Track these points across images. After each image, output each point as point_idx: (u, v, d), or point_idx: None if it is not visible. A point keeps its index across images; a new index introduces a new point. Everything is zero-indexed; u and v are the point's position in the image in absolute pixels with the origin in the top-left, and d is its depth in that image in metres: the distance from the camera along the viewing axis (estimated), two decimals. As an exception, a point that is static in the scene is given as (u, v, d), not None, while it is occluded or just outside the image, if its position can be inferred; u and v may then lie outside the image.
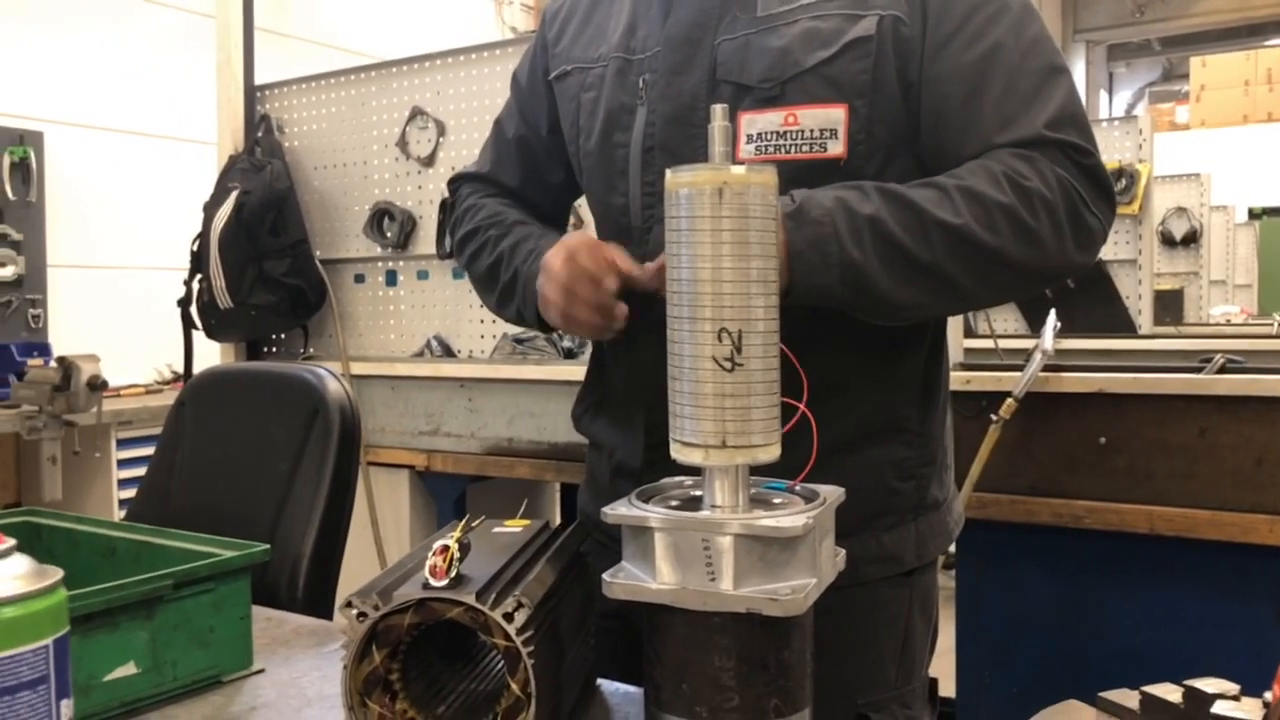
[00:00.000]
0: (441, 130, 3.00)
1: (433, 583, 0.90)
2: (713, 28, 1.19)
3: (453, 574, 0.90)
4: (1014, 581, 2.29)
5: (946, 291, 1.08)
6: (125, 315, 5.02)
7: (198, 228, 3.10)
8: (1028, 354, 2.24)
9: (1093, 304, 4.29)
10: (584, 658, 1.09)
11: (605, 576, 0.88)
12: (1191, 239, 5.86)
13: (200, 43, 4.50)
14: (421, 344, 3.09)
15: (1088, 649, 2.20)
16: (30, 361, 4.36)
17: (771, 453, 0.88)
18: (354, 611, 0.92)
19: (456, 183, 1.51)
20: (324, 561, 1.53)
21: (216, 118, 3.24)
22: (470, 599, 0.87)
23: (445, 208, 2.83)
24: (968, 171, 1.08)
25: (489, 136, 1.50)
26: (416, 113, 3.04)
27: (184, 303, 3.13)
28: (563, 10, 1.39)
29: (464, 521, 0.98)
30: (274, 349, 3.33)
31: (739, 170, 0.86)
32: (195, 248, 3.09)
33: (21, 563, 0.80)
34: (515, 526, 1.12)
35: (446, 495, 2.96)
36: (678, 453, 0.88)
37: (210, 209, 3.05)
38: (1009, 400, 2.18)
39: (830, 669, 0.99)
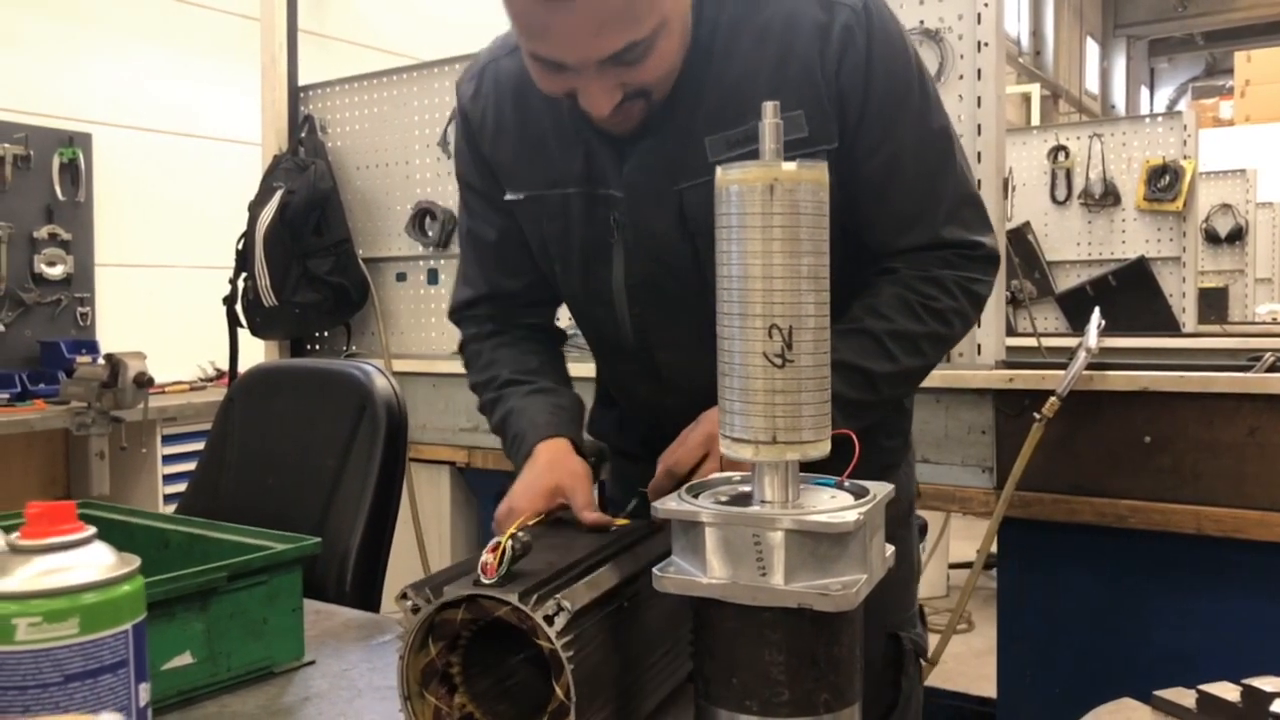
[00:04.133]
0: (482, 130, 3.02)
1: (483, 580, 0.91)
2: (672, 175, 1.24)
3: (503, 571, 0.91)
4: (1057, 582, 2.27)
5: (891, 406, 1.32)
6: (171, 313, 5.10)
7: (243, 227, 3.15)
8: (1071, 352, 2.22)
9: (1135, 302, 4.24)
10: (669, 664, 1.07)
11: (655, 571, 0.89)
12: (1237, 236, 5.78)
13: (244, 45, 4.56)
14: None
15: (1132, 650, 2.18)
16: (79, 359, 4.44)
17: (821, 449, 0.88)
18: (409, 604, 0.93)
19: (456, 316, 1.49)
20: (371, 555, 1.55)
21: (261, 118, 3.29)
22: (514, 599, 0.87)
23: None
24: (890, 309, 1.23)
25: (466, 249, 1.46)
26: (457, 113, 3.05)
27: (229, 300, 3.17)
28: (488, 119, 1.35)
29: (536, 517, 0.99)
30: (317, 346, 3.37)
31: (790, 167, 0.86)
32: (240, 247, 3.13)
33: (102, 550, 0.82)
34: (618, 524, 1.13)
35: (487, 492, 2.98)
36: (728, 448, 0.89)
37: (255, 208, 3.09)
38: (1052, 399, 2.16)
39: (869, 603, 1.14)
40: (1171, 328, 4.21)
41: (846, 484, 0.95)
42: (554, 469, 1.21)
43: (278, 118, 3.26)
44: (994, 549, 2.35)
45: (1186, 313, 4.29)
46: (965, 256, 1.26)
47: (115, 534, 1.43)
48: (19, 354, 4.71)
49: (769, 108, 0.89)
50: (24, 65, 4.74)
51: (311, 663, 1.24)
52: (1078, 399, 2.18)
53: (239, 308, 3.16)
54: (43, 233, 4.76)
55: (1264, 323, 5.73)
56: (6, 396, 4.32)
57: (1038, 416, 2.18)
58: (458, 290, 1.47)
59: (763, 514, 0.85)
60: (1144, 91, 20.32)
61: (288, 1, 3.21)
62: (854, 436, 1.07)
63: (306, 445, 1.67)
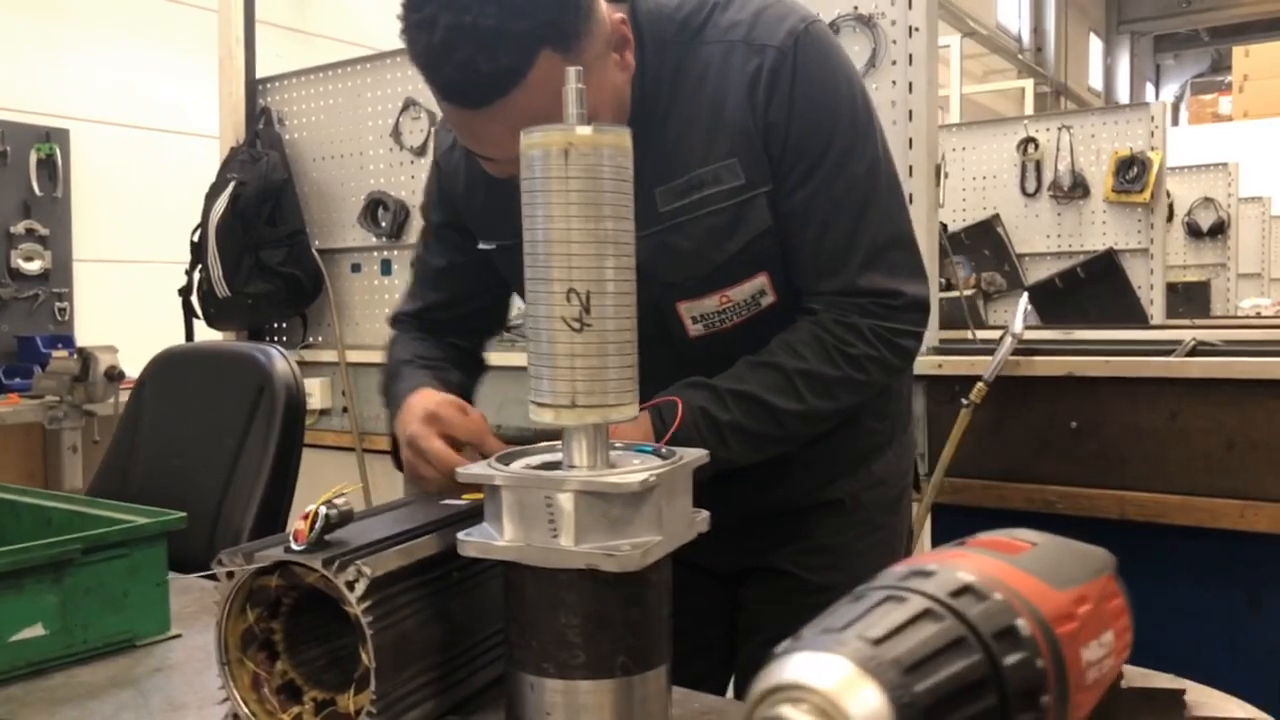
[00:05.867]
0: (433, 120, 3.03)
1: (294, 546, 0.91)
2: None
3: (312, 538, 0.91)
4: (989, 568, 2.27)
5: (799, 443, 1.28)
6: (147, 307, 5.11)
7: (209, 220, 3.16)
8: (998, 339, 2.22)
9: (1104, 294, 4.23)
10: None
11: (459, 535, 0.89)
12: (1219, 230, 5.75)
13: (212, 38, 4.58)
14: (414, 332, 3.12)
15: (1062, 636, 2.18)
16: (55, 354, 4.47)
17: (625, 413, 0.88)
18: (223, 569, 0.94)
19: (392, 320, 1.53)
20: (265, 533, 1.56)
21: (219, 111, 3.30)
22: (317, 564, 0.88)
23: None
24: (806, 348, 1.22)
25: (416, 270, 1.51)
26: (409, 103, 3.07)
27: (185, 292, 3.19)
28: (460, 172, 1.37)
29: (338, 488, 0.99)
30: (275, 339, 3.38)
31: (585, 131, 0.86)
32: (195, 238, 3.15)
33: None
34: (471, 499, 1.10)
35: (438, 481, 2.99)
36: (533, 413, 0.89)
37: (209, 200, 3.11)
38: (979, 384, 2.16)
39: (837, 578, 1.33)
40: (1140, 320, 4.20)
41: (664, 450, 0.95)
42: (425, 399, 1.20)
43: (234, 110, 3.27)
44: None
45: (1155, 305, 4.27)
46: (884, 305, 1.23)
47: (4, 512, 1.45)
48: (-5, 349, 4.75)
49: (571, 73, 0.89)
50: (1, 62, 4.77)
51: (177, 636, 1.25)
52: (1006, 385, 2.18)
53: (194, 299, 3.18)
54: (20, 228, 4.78)
55: (1246, 317, 5.71)
56: (-18, 390, 4.35)
57: (966, 402, 2.18)
58: (401, 302, 1.52)
59: (552, 476, 0.86)
60: (1149, 88, 20.22)
61: (244, -5, 3.22)
62: (678, 402, 1.11)
63: (210, 427, 1.68)
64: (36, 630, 1.13)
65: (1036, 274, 4.51)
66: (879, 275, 1.23)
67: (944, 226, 2.73)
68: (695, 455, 0.94)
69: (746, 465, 1.21)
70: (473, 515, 1.08)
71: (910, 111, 2.30)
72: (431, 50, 1.05)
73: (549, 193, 0.87)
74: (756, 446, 1.21)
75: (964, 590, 0.35)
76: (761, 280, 1.25)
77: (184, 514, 1.26)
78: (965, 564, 0.37)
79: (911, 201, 2.30)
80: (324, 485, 1.15)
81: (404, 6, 1.08)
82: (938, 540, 2.37)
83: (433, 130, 3.04)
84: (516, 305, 1.51)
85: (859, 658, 0.31)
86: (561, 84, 0.88)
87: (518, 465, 0.93)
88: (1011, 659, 0.33)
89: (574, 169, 0.86)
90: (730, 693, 1.44)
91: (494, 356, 2.86)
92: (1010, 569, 0.37)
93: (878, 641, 0.32)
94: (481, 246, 1.37)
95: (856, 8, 2.36)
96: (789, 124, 1.20)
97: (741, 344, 1.25)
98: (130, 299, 5.12)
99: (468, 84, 1.06)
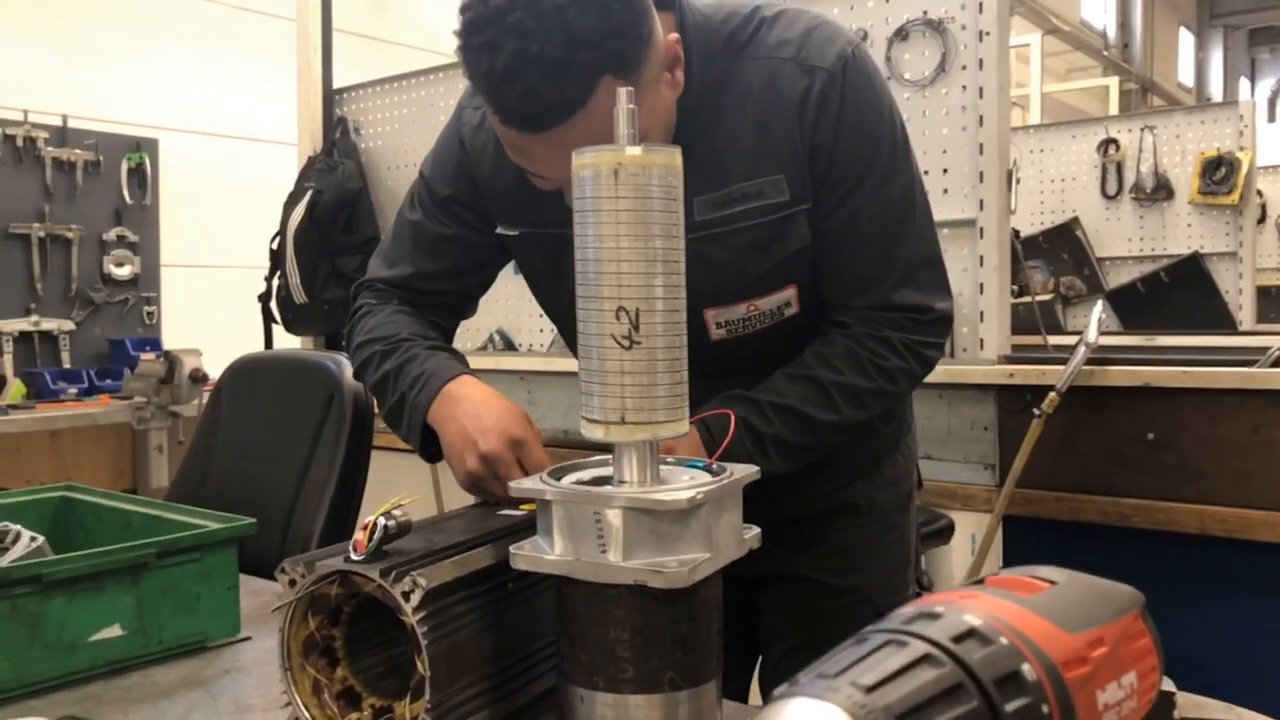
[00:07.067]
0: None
1: (353, 556, 0.93)
2: None
3: (371, 548, 0.93)
4: (1062, 581, 2.22)
5: (829, 450, 1.31)
6: (230, 311, 5.27)
7: (283, 227, 3.25)
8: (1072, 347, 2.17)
9: (1189, 300, 4.10)
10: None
11: (512, 548, 0.91)
12: (1311, 232, 5.54)
13: (291, 48, 4.70)
14: (485, 338, 3.17)
15: (1137, 653, 2.12)
16: (143, 356, 4.63)
17: (675, 429, 0.89)
18: (286, 577, 0.97)
19: (363, 285, 1.44)
20: (334, 539, 1.60)
21: (297, 121, 3.39)
22: (375, 574, 0.90)
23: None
24: (841, 361, 1.25)
25: (403, 234, 1.42)
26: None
27: (264, 298, 3.27)
28: (487, 153, 1.32)
29: (395, 500, 1.02)
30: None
31: (635, 151, 0.87)
32: (274, 246, 3.24)
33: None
34: (529, 510, 1.10)
35: (507, 486, 3.02)
36: (584, 429, 0.90)
37: (287, 208, 3.19)
38: (1051, 394, 2.12)
39: (857, 580, 1.41)
40: (1228, 326, 4.06)
41: (714, 466, 0.95)
42: (502, 411, 1.18)
43: (312, 120, 3.35)
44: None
45: (1244, 310, 4.13)
46: (915, 320, 1.27)
47: (85, 514, 1.51)
48: (89, 351, 4.94)
49: (623, 94, 0.90)
50: (93, 74, 4.96)
51: (247, 639, 1.29)
52: (1080, 395, 2.13)
53: (274, 305, 3.26)
54: (111, 235, 4.98)
55: (1342, 321, 5.48)
56: (75, 392, 4.52)
57: (1038, 412, 2.14)
58: (374, 265, 1.44)
59: (601, 492, 0.87)
60: (1244, 83, 19.55)
61: (323, 4, 3.30)
62: (730, 415, 1.11)
63: (283, 434, 1.72)
64: (115, 631, 1.18)
65: (1117, 278, 4.40)
66: (911, 291, 1.26)
67: (1016, 233, 2.68)
68: (745, 471, 0.94)
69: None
70: (528, 527, 1.09)
71: (981, 117, 2.26)
72: (494, 75, 1.04)
73: (599, 212, 0.88)
74: (796, 458, 1.24)
75: (968, 634, 0.35)
76: (790, 292, 1.27)
77: (253, 520, 1.30)
78: (974, 606, 0.36)
79: (982, 208, 2.27)
80: (394, 488, 1.17)
81: (464, 26, 1.07)
82: (1008, 551, 2.33)
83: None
84: (550, 324, 1.45)
85: (849, 705, 0.31)
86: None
87: (569, 479, 0.95)
88: (1013, 705, 0.33)
89: (624, 189, 0.87)
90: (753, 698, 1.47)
91: (563, 363, 2.91)
92: (1021, 611, 0.37)
93: (870, 689, 0.32)
94: (500, 231, 1.35)
95: (926, 12, 2.33)
96: (834, 145, 1.21)
97: (756, 347, 1.28)
98: (213, 303, 5.28)
99: (529, 112, 1.06)
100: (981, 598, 0.38)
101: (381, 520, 0.95)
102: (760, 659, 1.49)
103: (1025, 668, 0.34)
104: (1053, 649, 0.35)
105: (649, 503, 0.84)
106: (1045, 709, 0.34)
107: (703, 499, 0.85)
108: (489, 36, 1.05)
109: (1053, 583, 0.40)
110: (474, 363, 3.29)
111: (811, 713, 0.31)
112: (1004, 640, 0.35)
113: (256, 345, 4.95)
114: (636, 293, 0.87)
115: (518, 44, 1.03)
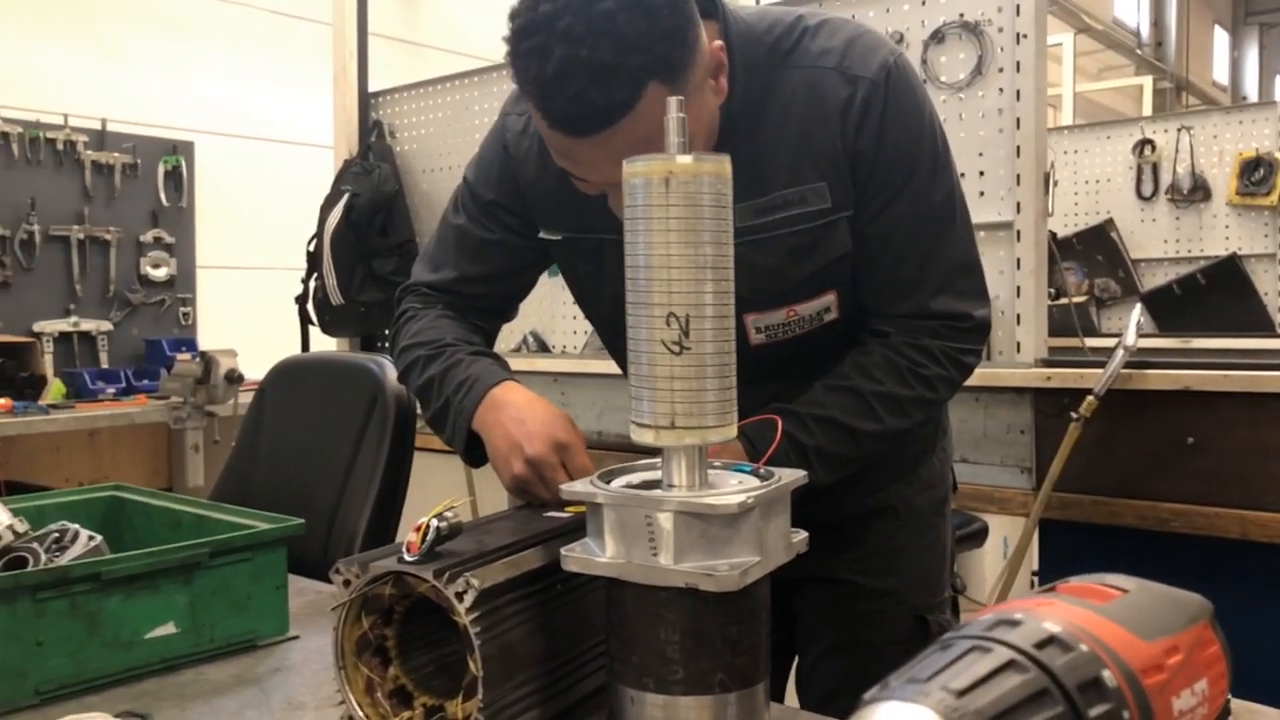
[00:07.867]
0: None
1: (406, 557, 0.95)
2: None
3: (424, 549, 0.95)
4: (1099, 586, 2.21)
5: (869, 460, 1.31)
6: (264, 312, 5.32)
7: (318, 229, 3.29)
8: (1110, 350, 2.16)
9: (1227, 302, 4.06)
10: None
11: (563, 550, 0.92)
12: (1354, 232, 5.46)
13: (327, 51, 4.75)
14: (519, 339, 3.19)
15: (1176, 658, 2.11)
16: (179, 356, 4.69)
17: (724, 434, 0.90)
18: (340, 578, 0.98)
19: (408, 289, 1.47)
20: (377, 540, 1.62)
21: (333, 124, 3.42)
22: (428, 575, 0.91)
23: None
24: (880, 370, 1.26)
25: (447, 239, 1.44)
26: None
27: (301, 299, 3.31)
28: (531, 158, 1.34)
29: (447, 501, 1.03)
30: (386, 345, 3.49)
31: (686, 160, 0.88)
32: (310, 248, 3.27)
33: None
34: (574, 512, 1.13)
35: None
36: (634, 434, 0.92)
37: (324, 211, 3.23)
38: (1089, 398, 2.11)
39: (893, 583, 1.41)
40: (1267, 328, 4.02)
41: (762, 470, 0.96)
42: (547, 416, 1.20)
43: (348, 123, 3.39)
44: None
45: (1283, 312, 4.09)
46: (954, 328, 1.28)
47: (135, 513, 1.54)
48: (126, 351, 5.01)
49: (673, 103, 0.91)
50: (131, 78, 5.02)
51: (296, 637, 1.31)
52: (1118, 399, 2.12)
53: (310, 306, 3.30)
54: (148, 237, 5.04)
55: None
56: (113, 391, 4.58)
57: (1075, 416, 2.14)
58: (418, 269, 1.47)
59: (653, 496, 0.88)
60: (1279, 82, 19.30)
61: (359, 8, 3.33)
62: (777, 421, 1.12)
63: (326, 435, 1.75)
64: (169, 628, 1.21)
65: (1153, 280, 4.36)
66: (950, 299, 1.27)
67: (1052, 234, 2.67)
68: (793, 476, 0.95)
69: None
70: (576, 529, 1.11)
71: (1018, 119, 2.26)
72: (543, 79, 1.06)
73: (650, 220, 0.89)
74: (838, 469, 1.25)
75: (1049, 641, 0.36)
76: (830, 298, 1.29)
77: (302, 521, 1.32)
78: (1052, 613, 0.37)
79: (1019, 211, 2.27)
80: (433, 489, 1.18)
81: (513, 32, 1.09)
82: (1045, 555, 2.33)
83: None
84: (583, 325, 1.48)
85: (943, 709, 0.32)
86: (664, 112, 0.90)
87: (619, 483, 0.96)
88: (1096, 710, 0.34)
89: (674, 197, 0.88)
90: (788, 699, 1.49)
91: (596, 364, 2.92)
92: (1098, 619, 0.37)
93: (961, 693, 0.33)
94: (543, 235, 1.37)
95: (963, 15, 2.33)
96: (877, 154, 1.22)
97: (795, 352, 1.29)
98: (249, 304, 5.34)
99: (577, 116, 1.07)
100: (1057, 605, 0.39)
101: (434, 522, 0.97)
102: (796, 661, 1.50)
103: (1106, 674, 0.35)
104: (1131, 656, 0.36)
105: (700, 506, 0.86)
106: (1126, 715, 0.35)
107: (753, 503, 0.86)
108: (538, 42, 1.06)
109: (1124, 590, 0.41)
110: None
111: (906, 715, 0.32)
112: (1084, 647, 0.36)
113: (291, 346, 5.00)
114: (686, 299, 0.89)
115: (567, 49, 1.04)
